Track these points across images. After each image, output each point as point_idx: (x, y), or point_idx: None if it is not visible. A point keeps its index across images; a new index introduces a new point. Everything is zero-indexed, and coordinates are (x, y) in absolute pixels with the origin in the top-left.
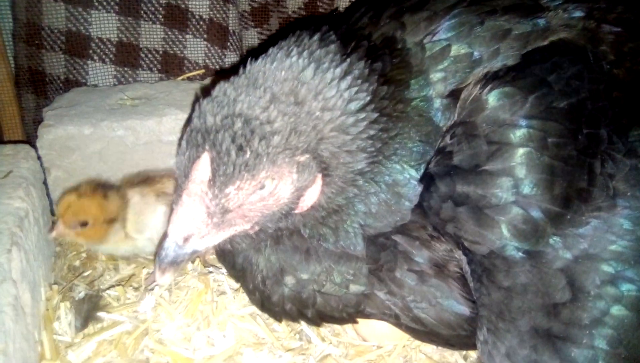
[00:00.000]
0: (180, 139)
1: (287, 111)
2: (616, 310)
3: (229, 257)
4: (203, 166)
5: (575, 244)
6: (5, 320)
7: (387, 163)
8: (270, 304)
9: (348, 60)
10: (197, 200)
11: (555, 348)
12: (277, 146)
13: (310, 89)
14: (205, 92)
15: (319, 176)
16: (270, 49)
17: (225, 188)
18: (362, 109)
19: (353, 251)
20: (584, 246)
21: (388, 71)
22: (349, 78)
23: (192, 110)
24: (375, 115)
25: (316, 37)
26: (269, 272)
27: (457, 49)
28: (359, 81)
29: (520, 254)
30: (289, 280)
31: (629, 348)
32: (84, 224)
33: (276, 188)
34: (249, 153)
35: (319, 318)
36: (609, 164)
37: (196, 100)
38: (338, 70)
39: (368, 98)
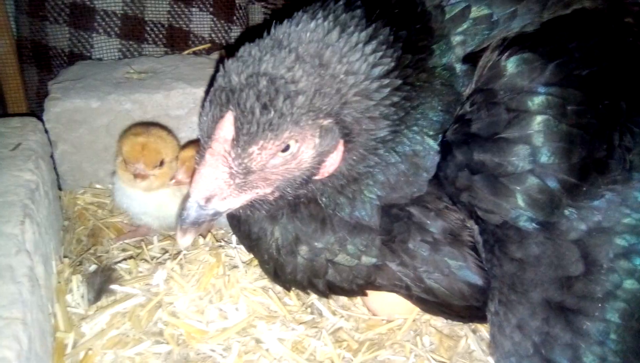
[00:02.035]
0: (204, 100)
1: (311, 72)
2: (629, 283)
3: (244, 226)
4: (227, 125)
5: (590, 216)
6: (22, 290)
7: (408, 133)
8: (283, 273)
9: (373, 25)
10: (220, 160)
11: (567, 320)
12: (301, 107)
13: (335, 51)
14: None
15: (341, 142)
16: (296, 13)
17: (249, 147)
18: (386, 75)
19: (367, 223)
20: (598, 218)
21: (412, 38)
22: (373, 43)
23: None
24: (399, 82)
25: (342, 1)
26: (284, 241)
27: (476, 11)
28: (384, 47)
29: (534, 225)
30: (303, 248)
31: None
32: (162, 163)
33: (299, 151)
34: (273, 112)
35: (328, 289)
36: (627, 137)
37: (220, 61)
38: (363, 34)
39: (392, 64)
